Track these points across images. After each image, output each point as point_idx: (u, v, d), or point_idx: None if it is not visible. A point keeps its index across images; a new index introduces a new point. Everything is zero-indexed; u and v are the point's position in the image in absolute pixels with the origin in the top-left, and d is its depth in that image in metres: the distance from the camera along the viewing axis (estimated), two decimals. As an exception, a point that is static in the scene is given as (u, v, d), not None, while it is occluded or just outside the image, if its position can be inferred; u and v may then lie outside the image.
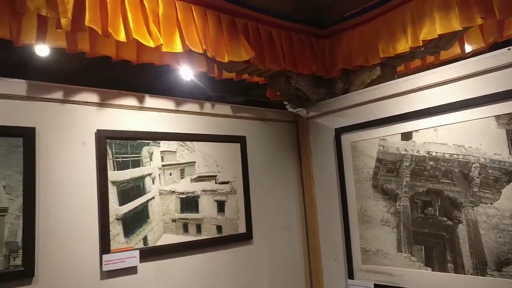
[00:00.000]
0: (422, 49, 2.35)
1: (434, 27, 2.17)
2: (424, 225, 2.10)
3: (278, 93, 3.20)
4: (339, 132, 2.64)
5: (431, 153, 2.07)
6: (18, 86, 1.90)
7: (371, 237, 2.38)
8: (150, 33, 2.05)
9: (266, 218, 2.71)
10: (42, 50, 2.26)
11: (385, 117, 2.37)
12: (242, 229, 2.55)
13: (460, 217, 1.97)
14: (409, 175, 2.18)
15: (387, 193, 2.31)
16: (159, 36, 2.05)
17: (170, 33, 2.13)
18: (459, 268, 1.96)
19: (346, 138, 2.60)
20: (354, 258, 2.47)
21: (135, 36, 1.96)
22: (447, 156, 2.00)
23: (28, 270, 1.76)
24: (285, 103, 3.23)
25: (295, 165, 2.97)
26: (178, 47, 2.14)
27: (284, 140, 2.95)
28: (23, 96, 1.90)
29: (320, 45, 2.93)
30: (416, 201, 2.13)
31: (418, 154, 2.14)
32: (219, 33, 2.35)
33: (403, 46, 2.38)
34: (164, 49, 2.10)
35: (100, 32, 1.88)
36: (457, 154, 1.96)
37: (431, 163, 2.07)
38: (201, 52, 2.23)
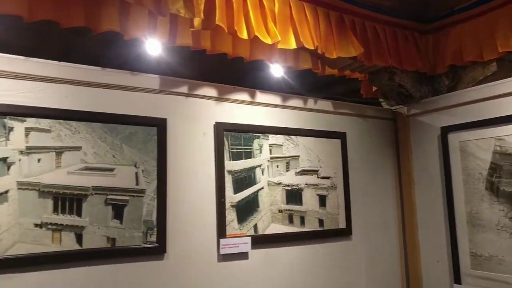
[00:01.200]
0: (552, 43, 2.20)
1: None
2: (553, 231, 1.97)
3: (374, 90, 3.17)
4: (446, 131, 2.55)
5: None
6: (153, 80, 2.10)
7: (484, 242, 2.28)
8: (268, 31, 2.15)
9: (364, 214, 2.70)
10: (154, 47, 2.42)
11: (503, 116, 2.25)
12: (342, 224, 2.58)
13: None
14: (533, 178, 2.06)
15: (505, 196, 2.19)
16: (277, 33, 2.14)
17: (285, 31, 2.22)
18: None
19: (454, 137, 2.51)
20: (461, 262, 2.39)
21: (256, 34, 2.07)
22: None
23: (161, 246, 1.94)
24: (381, 100, 3.19)
25: (393, 163, 2.92)
26: (292, 44, 2.23)
27: (381, 137, 2.92)
28: (156, 90, 2.10)
29: (424, 40, 2.85)
30: (542, 206, 2.01)
31: (545, 156, 2.01)
32: (329, 30, 2.40)
33: (527, 40, 2.24)
34: (279, 46, 2.20)
35: (226, 30, 2.02)
36: None
37: None
38: (313, 48, 2.29)
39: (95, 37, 2.78)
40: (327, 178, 2.58)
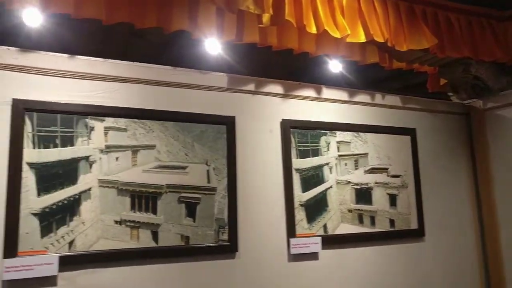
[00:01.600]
0: None
1: None
2: None
3: (442, 83, 2.98)
4: (531, 125, 2.34)
5: None
6: (221, 78, 2.10)
7: None
8: (336, 25, 2.07)
9: (437, 215, 2.54)
10: (214, 46, 2.41)
11: None
12: (414, 225, 2.44)
13: None
14: None
15: None
16: (346, 26, 2.07)
17: (353, 24, 2.13)
18: None
19: (541, 132, 2.29)
20: (553, 268, 2.17)
21: (325, 28, 2.01)
22: None
23: (233, 245, 1.93)
24: (449, 94, 3.00)
25: (467, 160, 2.73)
26: (361, 37, 2.13)
27: (454, 133, 2.74)
28: (224, 88, 2.10)
29: (502, 28, 2.63)
30: None
31: None
32: (399, 22, 2.27)
33: None
34: (348, 39, 2.12)
35: (295, 25, 1.97)
36: None
37: None
38: (383, 41, 2.18)
39: (151, 38, 2.82)
40: (397, 176, 2.45)
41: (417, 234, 2.44)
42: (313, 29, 2.02)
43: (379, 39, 2.17)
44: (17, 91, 1.68)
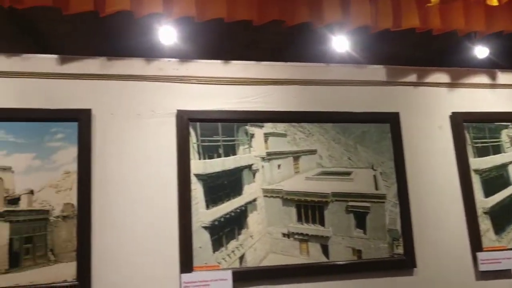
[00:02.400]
0: None
1: None
2: None
3: None
4: None
5: None
6: (378, 71, 1.87)
7: None
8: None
9: None
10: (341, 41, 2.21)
11: None
12: None
13: None
14: None
15: None
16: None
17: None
18: None
19: None
20: None
21: (512, -4, 1.66)
22: None
23: (409, 260, 1.68)
24: None
25: None
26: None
27: None
28: (383, 81, 1.86)
29: None
30: None
31: None
32: None
33: None
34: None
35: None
36: None
37: None
38: None
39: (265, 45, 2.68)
40: None
41: None
42: (494, 1, 1.69)
43: None
44: (180, 102, 1.66)
